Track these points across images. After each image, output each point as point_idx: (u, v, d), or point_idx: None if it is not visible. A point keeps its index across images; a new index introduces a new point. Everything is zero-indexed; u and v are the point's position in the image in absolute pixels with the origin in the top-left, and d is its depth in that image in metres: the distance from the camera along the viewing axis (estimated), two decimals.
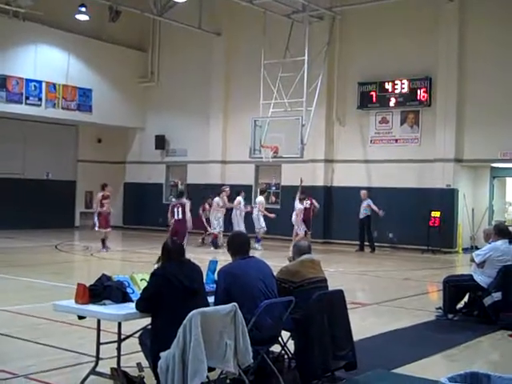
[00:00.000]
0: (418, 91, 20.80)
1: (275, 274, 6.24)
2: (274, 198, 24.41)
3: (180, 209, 15.69)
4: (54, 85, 23.59)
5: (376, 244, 20.26)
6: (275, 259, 12.87)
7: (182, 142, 26.01)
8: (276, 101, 20.75)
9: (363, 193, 20.25)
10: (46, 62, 23.24)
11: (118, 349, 5.40)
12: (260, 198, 20.47)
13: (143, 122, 27.14)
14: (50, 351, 7.02)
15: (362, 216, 20.13)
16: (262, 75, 20.89)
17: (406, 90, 21.01)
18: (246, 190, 22.41)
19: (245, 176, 24.21)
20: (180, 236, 14.28)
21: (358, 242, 20.52)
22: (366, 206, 20.04)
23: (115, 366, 5.41)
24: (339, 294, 6.44)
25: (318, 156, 22.44)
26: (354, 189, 21.78)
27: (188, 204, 15.88)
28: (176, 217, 15.70)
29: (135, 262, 16.11)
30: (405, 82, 20.97)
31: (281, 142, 20.34)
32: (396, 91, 21.21)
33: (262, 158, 20.74)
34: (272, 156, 20.37)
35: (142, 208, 26.78)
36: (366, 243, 20.23)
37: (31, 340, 7.48)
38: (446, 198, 20.09)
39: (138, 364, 5.51)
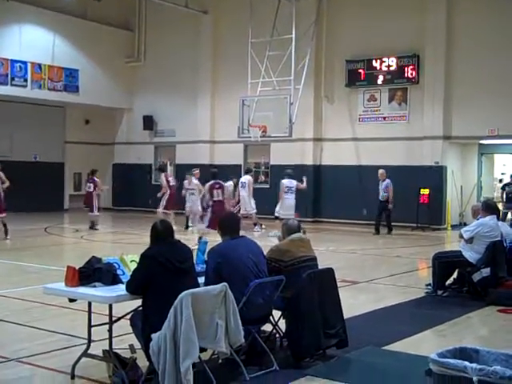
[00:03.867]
0: (406, 68, 20.77)
1: (265, 253, 6.26)
2: (263, 177, 24.40)
3: (220, 190, 16.35)
4: (40, 65, 23.35)
5: (365, 222, 20.32)
6: (265, 239, 12.92)
7: (170, 122, 25.89)
8: (264, 79, 20.65)
9: (381, 172, 18.86)
10: (31, 42, 22.98)
11: (110, 331, 5.40)
12: (248, 177, 19.76)
13: (131, 102, 26.97)
14: (41, 334, 7.02)
15: (381, 198, 18.69)
16: (249, 54, 20.76)
17: (393, 67, 20.97)
18: (235, 170, 22.38)
19: (233, 156, 24.17)
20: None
21: (357, 222, 20.55)
22: (385, 189, 18.60)
23: (107, 348, 5.42)
24: (329, 272, 6.47)
25: (306, 135, 22.41)
26: (342, 167, 21.82)
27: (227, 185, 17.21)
28: (216, 198, 16.27)
29: (125, 244, 16.09)
30: (393, 59, 20.93)
31: (269, 121, 20.27)
32: (384, 69, 21.17)
33: (250, 137, 20.67)
34: (260, 135, 20.30)
35: (131, 189, 26.72)
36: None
37: (22, 324, 7.47)
38: (435, 176, 20.17)
39: (130, 345, 5.53)
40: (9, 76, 22.43)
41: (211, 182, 16.71)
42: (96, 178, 19.45)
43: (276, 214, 17.77)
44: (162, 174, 19.58)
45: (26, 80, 22.97)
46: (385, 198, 18.64)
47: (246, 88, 20.92)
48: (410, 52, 20.62)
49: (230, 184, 19.01)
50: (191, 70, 24.85)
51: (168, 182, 19.12)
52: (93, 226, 18.76)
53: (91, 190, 19.23)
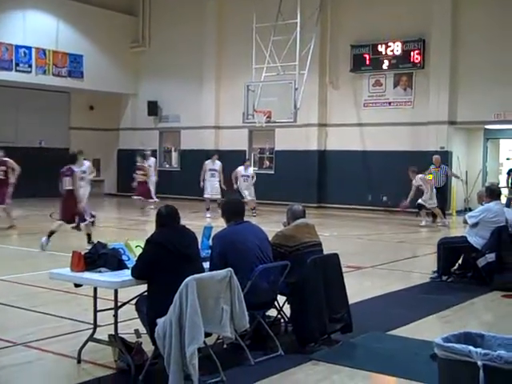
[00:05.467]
0: (412, 53, 20.65)
1: (270, 238, 6.26)
2: (267, 163, 24.40)
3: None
4: (44, 51, 23.33)
5: (370, 208, 20.30)
6: (270, 224, 12.92)
7: (175, 107, 25.85)
8: (268, 65, 20.56)
9: (436, 158, 18.14)
10: (36, 27, 22.94)
11: (115, 316, 5.42)
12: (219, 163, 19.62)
13: (135, 88, 26.92)
14: (47, 319, 7.06)
15: (442, 184, 17.98)
16: (254, 39, 20.66)
17: (399, 52, 20.86)
18: (240, 156, 22.34)
19: (238, 141, 24.15)
20: None
21: (362, 207, 20.49)
22: (444, 175, 17.95)
23: (113, 332, 5.45)
24: (334, 257, 6.47)
25: (311, 120, 22.36)
26: (347, 153, 21.78)
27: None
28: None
29: (130, 230, 16.13)
30: (398, 43, 20.81)
31: (274, 106, 20.21)
32: (389, 53, 21.06)
33: (255, 123, 20.63)
34: (265, 121, 20.25)
35: None
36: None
37: (29, 308, 7.51)
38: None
39: (136, 330, 5.54)
40: (13, 62, 22.43)
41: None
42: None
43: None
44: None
45: (30, 66, 22.95)
46: (443, 182, 17.99)
47: (251, 73, 20.84)
48: (416, 36, 20.49)
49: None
50: (196, 56, 24.77)
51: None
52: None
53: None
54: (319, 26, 21.59)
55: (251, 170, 19.70)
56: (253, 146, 24.66)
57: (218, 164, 19.38)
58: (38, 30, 23.03)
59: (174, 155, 27.02)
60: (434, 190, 17.34)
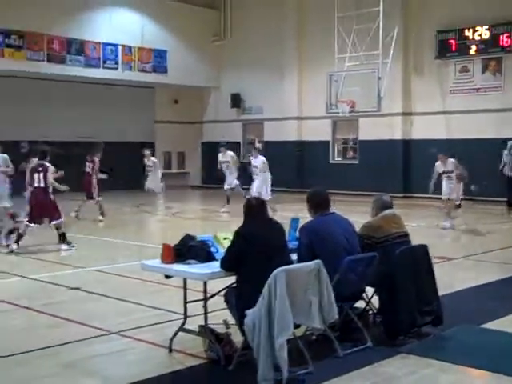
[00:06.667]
0: (501, 37, 19.94)
1: (357, 229, 6.20)
2: (351, 153, 24.17)
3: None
4: (130, 47, 23.92)
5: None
6: (355, 215, 12.79)
7: (258, 99, 25.95)
8: (351, 54, 20.34)
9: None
10: (121, 25, 23.54)
11: (205, 307, 5.53)
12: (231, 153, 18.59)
13: (218, 81, 27.19)
14: (139, 309, 7.26)
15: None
16: (335, 29, 20.47)
17: (487, 36, 20.18)
18: (324, 146, 22.14)
19: (321, 132, 24.03)
20: None
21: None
22: None
23: (203, 323, 5.54)
24: (423, 248, 6.35)
25: (395, 109, 21.96)
26: (433, 141, 21.25)
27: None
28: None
29: (216, 221, 16.34)
30: (486, 28, 20.13)
31: (357, 95, 20.02)
32: (476, 38, 20.41)
33: (338, 112, 20.49)
34: (349, 111, 20.09)
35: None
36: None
37: (121, 298, 7.74)
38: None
39: (225, 321, 5.62)
40: (101, 59, 23.09)
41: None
42: (96, 158, 16.14)
43: None
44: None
45: (116, 62, 23.59)
46: None
47: (333, 63, 20.69)
48: (505, 19, 19.76)
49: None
50: (277, 47, 24.75)
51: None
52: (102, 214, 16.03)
53: (89, 170, 16.05)
54: (403, 13, 21.16)
55: (261, 160, 17.15)
56: (336, 136, 24.46)
57: (228, 155, 18.30)
58: (124, 27, 23.62)
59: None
60: None
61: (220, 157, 18.46)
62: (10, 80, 22.29)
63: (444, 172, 14.53)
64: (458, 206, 14.81)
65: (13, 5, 20.23)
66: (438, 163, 14.65)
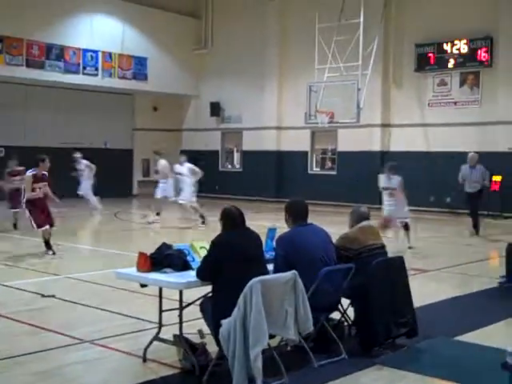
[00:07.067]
0: (479, 51, 20.18)
1: (334, 241, 6.21)
2: (329, 164, 24.26)
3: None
4: (110, 54, 23.84)
5: (433, 209, 19.96)
6: (333, 225, 12.81)
7: (237, 108, 25.99)
8: (331, 65, 20.44)
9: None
10: (102, 31, 23.48)
11: (180, 316, 5.48)
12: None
13: (198, 89, 27.19)
14: (113, 318, 7.19)
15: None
16: (316, 39, 20.57)
17: (465, 50, 20.41)
18: (302, 157, 22.23)
19: (300, 142, 24.09)
20: None
21: (425, 209, 20.12)
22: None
23: (177, 332, 5.50)
24: (399, 260, 6.38)
25: (374, 120, 22.11)
26: (411, 153, 21.41)
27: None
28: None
29: (193, 230, 16.28)
30: (464, 42, 20.37)
31: (336, 106, 20.10)
32: (455, 52, 20.64)
33: (317, 123, 20.55)
34: (328, 121, 20.16)
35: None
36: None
37: (94, 306, 7.66)
38: (508, 162, 19.54)
39: (200, 331, 5.58)
40: (81, 65, 22.98)
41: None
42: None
43: None
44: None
45: (96, 69, 23.50)
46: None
47: (314, 74, 20.78)
48: (483, 34, 20.00)
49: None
50: (258, 57, 24.83)
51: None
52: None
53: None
54: (383, 26, 21.35)
55: (187, 167, 17.15)
56: (315, 146, 24.54)
57: (186, 166, 17.27)
58: (105, 33, 23.56)
59: (236, 156, 27.17)
60: None
61: (178, 168, 17.33)
62: None
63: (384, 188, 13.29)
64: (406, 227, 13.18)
65: None
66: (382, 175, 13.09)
